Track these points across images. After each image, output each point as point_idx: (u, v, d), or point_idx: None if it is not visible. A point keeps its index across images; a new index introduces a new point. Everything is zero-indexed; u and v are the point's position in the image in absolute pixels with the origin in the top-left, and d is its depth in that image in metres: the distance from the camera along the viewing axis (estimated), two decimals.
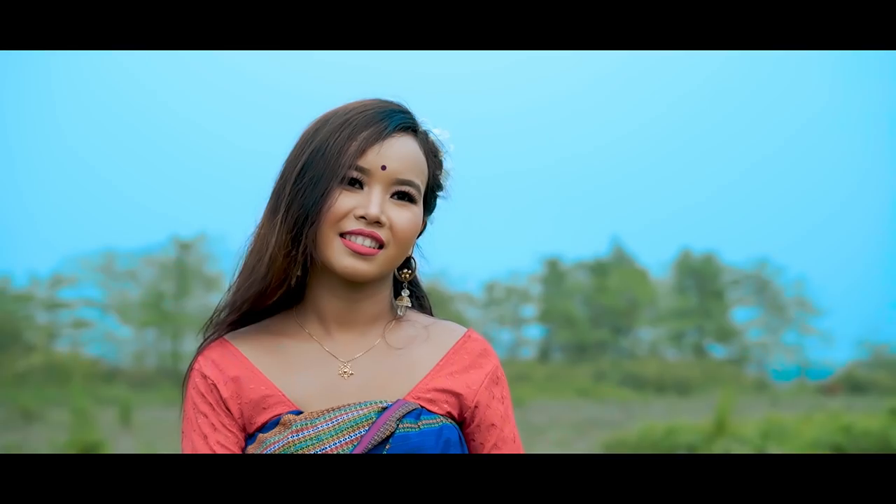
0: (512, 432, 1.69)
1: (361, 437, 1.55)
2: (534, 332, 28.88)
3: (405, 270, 1.70)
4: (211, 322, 1.69)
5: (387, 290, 1.69)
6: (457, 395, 1.64)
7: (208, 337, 1.68)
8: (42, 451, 10.12)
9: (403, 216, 1.61)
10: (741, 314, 29.28)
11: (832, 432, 10.97)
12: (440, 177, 1.71)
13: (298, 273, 1.62)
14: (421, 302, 1.76)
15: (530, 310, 28.97)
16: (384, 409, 1.57)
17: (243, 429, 1.62)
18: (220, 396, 1.62)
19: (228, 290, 1.67)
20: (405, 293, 1.70)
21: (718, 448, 10.80)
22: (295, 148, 1.63)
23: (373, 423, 1.56)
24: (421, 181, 1.64)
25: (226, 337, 1.67)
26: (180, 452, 1.64)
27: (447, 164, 1.72)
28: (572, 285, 28.72)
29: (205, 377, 1.63)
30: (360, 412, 1.57)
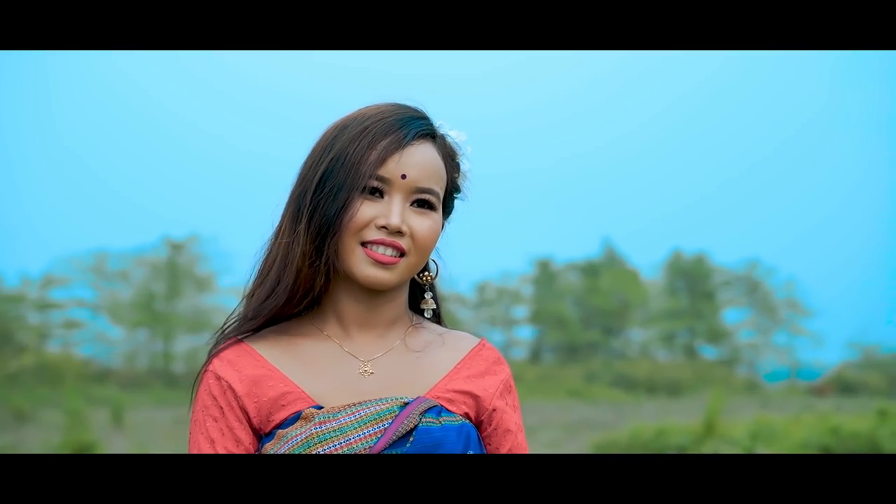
0: (524, 441, 1.72)
1: (385, 429, 1.56)
2: (525, 333, 28.92)
3: (426, 273, 1.72)
4: (223, 331, 1.68)
5: (405, 293, 1.70)
6: (475, 398, 1.66)
7: (220, 340, 1.66)
8: (36, 452, 10.09)
9: (424, 224, 1.62)
10: (732, 315, 29.33)
11: (821, 433, 10.97)
12: (458, 179, 1.72)
13: (322, 281, 1.61)
14: (435, 310, 1.75)
15: (522, 311, 28.99)
16: (406, 404, 1.58)
17: (258, 430, 1.60)
18: (235, 395, 1.59)
19: (247, 298, 1.66)
20: (428, 295, 1.72)
21: (708, 449, 10.81)
22: (313, 154, 1.63)
23: (396, 416, 1.57)
24: (440, 188, 1.65)
25: (241, 339, 1.65)
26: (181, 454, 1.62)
27: (464, 166, 1.73)
28: (564, 286, 28.73)
29: (219, 378, 1.61)
30: (383, 406, 1.57)
